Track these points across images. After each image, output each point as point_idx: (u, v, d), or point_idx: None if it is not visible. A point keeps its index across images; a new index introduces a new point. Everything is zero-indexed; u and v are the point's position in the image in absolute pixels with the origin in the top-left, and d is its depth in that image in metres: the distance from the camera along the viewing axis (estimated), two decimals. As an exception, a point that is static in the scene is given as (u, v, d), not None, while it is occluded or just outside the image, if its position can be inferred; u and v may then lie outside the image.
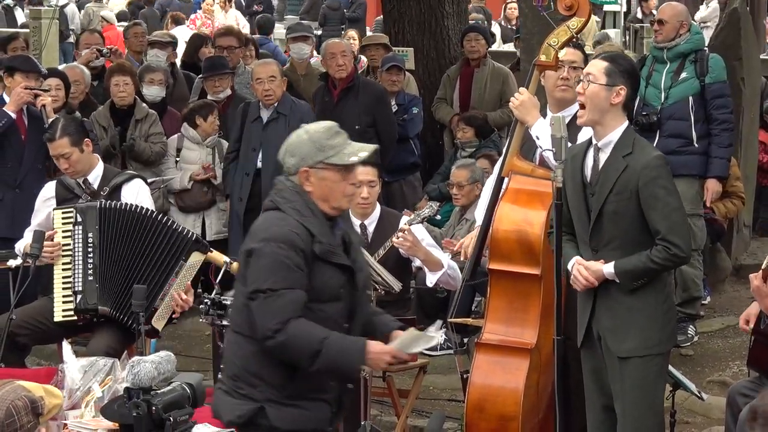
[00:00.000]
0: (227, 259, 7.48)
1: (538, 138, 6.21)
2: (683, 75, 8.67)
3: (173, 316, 7.10)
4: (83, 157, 7.24)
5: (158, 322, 6.97)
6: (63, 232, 7.01)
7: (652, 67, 8.71)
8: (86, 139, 7.35)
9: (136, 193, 7.23)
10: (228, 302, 7.21)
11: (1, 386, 3.19)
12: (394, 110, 10.45)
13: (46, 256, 6.93)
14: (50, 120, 8.34)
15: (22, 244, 7.16)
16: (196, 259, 7.02)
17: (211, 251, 7.18)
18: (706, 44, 9.42)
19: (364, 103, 9.80)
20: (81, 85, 9.95)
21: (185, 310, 7.12)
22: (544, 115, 6.40)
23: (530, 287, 6.14)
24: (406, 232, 6.88)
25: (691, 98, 8.61)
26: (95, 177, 7.26)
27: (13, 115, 8.36)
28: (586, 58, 6.53)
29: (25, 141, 8.50)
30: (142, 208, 7.02)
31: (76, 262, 6.93)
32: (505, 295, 6.21)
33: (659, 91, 8.65)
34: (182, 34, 15.65)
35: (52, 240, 6.97)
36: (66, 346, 6.33)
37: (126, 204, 7.03)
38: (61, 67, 10.38)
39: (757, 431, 2.05)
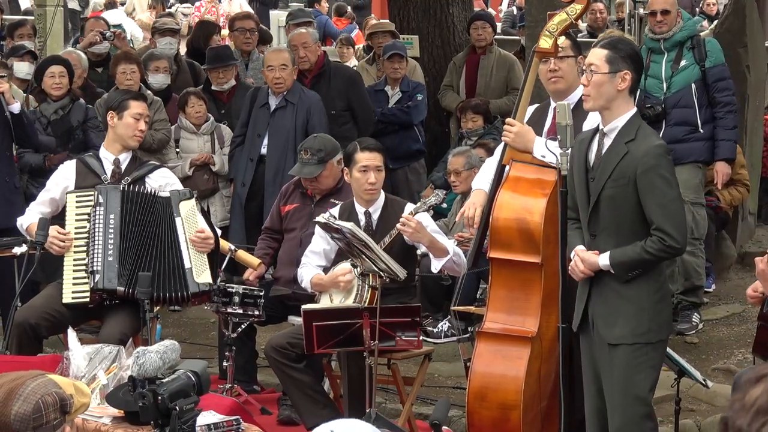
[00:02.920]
0: (231, 246, 7.48)
1: (543, 157, 6.09)
2: (683, 63, 8.67)
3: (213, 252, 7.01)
4: None
5: (202, 277, 6.93)
6: (77, 216, 6.99)
7: (648, 59, 8.68)
8: None
9: (165, 178, 7.23)
10: (233, 290, 7.22)
11: (33, 379, 3.13)
12: (398, 97, 10.45)
13: (56, 246, 6.91)
14: (10, 106, 8.28)
15: (25, 221, 7.16)
16: (189, 206, 7.00)
17: (194, 194, 7.18)
18: (714, 32, 9.40)
19: (337, 88, 9.79)
20: (78, 70, 9.95)
21: (212, 244, 6.99)
22: (547, 104, 6.40)
23: (531, 276, 6.12)
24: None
25: (693, 85, 8.61)
26: (125, 157, 7.26)
27: None
28: (578, 45, 6.50)
29: None
30: (160, 193, 7.03)
31: (96, 243, 6.87)
32: (506, 283, 6.20)
33: (660, 82, 8.64)
34: (116, 17, 15.73)
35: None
36: (71, 333, 6.32)
37: (149, 189, 7.05)
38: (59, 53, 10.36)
39: None
